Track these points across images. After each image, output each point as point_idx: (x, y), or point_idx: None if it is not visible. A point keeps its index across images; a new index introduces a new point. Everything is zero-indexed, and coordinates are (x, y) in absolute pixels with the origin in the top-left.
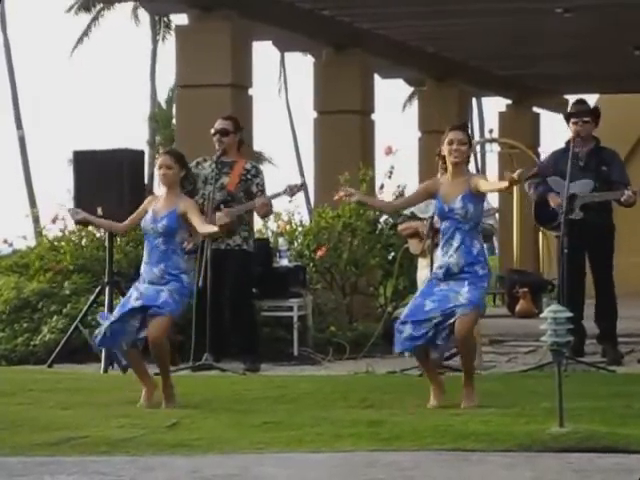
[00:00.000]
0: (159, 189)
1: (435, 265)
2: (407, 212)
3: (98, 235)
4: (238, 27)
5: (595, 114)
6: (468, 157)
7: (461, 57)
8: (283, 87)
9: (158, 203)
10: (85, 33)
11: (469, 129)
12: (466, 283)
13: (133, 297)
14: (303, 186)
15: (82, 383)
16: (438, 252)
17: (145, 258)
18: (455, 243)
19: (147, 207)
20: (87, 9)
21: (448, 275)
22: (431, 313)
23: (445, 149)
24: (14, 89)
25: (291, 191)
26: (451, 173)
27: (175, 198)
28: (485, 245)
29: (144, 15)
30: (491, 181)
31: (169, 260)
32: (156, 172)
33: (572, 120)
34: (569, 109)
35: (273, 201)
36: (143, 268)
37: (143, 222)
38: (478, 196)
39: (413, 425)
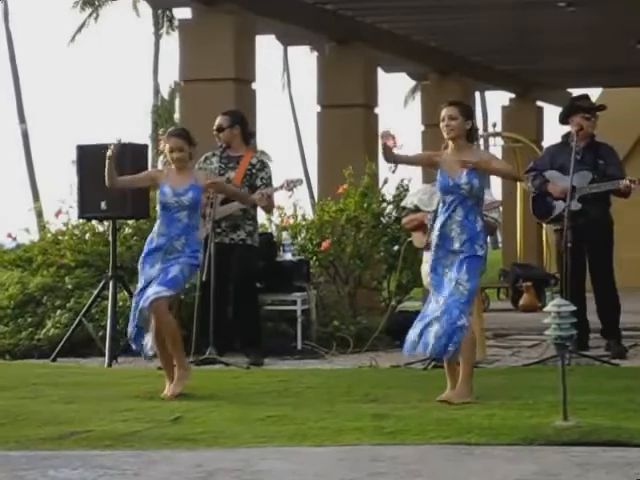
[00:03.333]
0: (165, 166)
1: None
2: (411, 205)
3: (101, 229)
4: (241, 21)
5: (601, 110)
6: (465, 131)
7: (464, 51)
8: (286, 81)
9: (170, 179)
10: (83, 25)
11: (466, 107)
12: (464, 267)
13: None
14: (299, 181)
15: (86, 377)
16: (435, 225)
17: (162, 230)
18: (458, 217)
19: (155, 178)
20: (91, 4)
21: (446, 248)
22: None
23: (440, 127)
24: (17, 82)
25: (288, 186)
26: (452, 148)
27: (190, 172)
28: (489, 239)
29: (146, 9)
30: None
31: (190, 235)
32: (167, 155)
33: (583, 115)
34: (577, 102)
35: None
36: (157, 240)
37: (162, 196)
38: (481, 171)
39: (417, 419)
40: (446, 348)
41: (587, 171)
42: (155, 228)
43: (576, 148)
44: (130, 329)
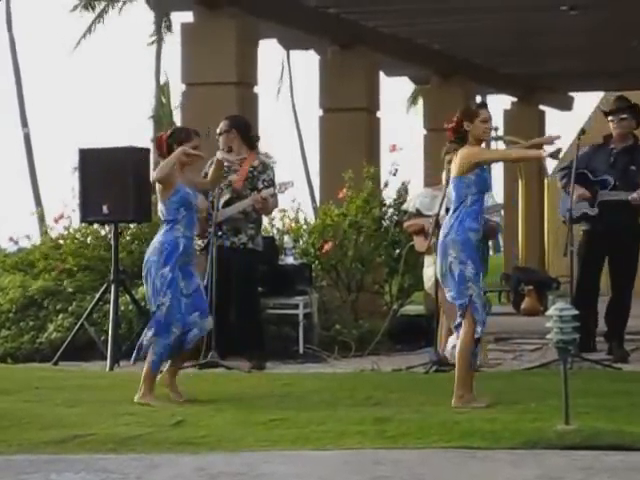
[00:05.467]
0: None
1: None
2: (413, 209)
3: (103, 233)
4: (244, 25)
5: (635, 110)
6: None
7: (466, 54)
8: (288, 86)
9: (180, 179)
10: (88, 30)
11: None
12: None
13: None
14: (289, 183)
15: (88, 381)
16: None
17: (187, 233)
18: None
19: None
20: (91, 7)
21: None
22: None
23: (479, 127)
24: (19, 87)
25: (280, 188)
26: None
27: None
28: (490, 242)
29: (147, 13)
30: None
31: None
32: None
33: (610, 117)
34: (609, 106)
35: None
36: (185, 243)
37: (189, 196)
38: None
39: (419, 423)
40: None
41: (612, 177)
42: (181, 231)
43: (613, 150)
44: (166, 342)
